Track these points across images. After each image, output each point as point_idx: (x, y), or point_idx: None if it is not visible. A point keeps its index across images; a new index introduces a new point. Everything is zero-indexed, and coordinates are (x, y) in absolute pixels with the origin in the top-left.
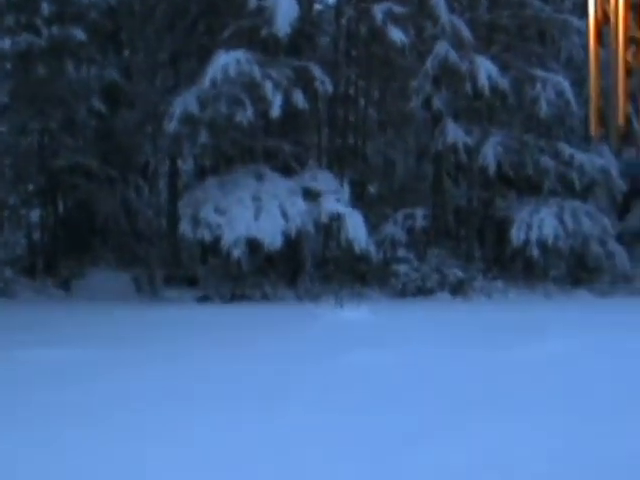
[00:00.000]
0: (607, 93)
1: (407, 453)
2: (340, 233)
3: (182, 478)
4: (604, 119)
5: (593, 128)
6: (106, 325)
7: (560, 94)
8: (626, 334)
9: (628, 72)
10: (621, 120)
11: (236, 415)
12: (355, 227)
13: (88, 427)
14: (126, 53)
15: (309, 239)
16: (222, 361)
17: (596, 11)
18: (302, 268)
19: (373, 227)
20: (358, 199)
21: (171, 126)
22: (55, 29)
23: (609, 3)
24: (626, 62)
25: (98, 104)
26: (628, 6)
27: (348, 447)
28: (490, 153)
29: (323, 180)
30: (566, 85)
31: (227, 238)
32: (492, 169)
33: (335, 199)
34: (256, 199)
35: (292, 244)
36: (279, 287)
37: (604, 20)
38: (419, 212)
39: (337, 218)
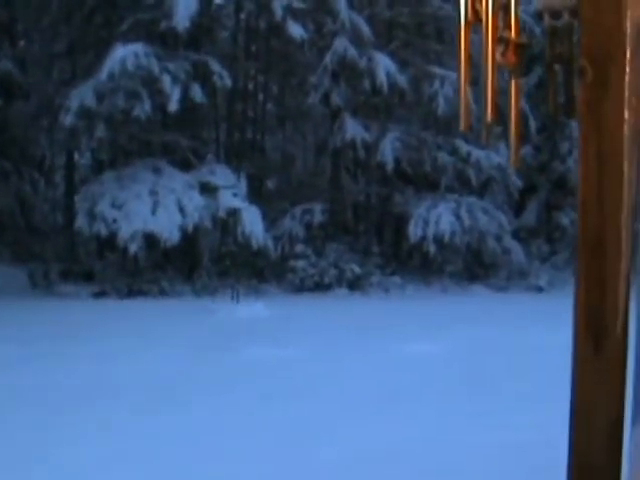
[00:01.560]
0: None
1: (305, 447)
2: (237, 228)
3: None
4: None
5: (462, 122)
6: None
7: (458, 91)
8: (521, 329)
9: (496, 70)
10: (490, 116)
11: (117, 415)
12: (252, 222)
13: None
14: (21, 44)
15: (206, 234)
16: (111, 357)
17: (467, 11)
18: (199, 263)
19: (271, 222)
20: (256, 194)
21: (67, 119)
22: None
23: (480, 3)
24: (494, 60)
25: None
26: (498, 6)
27: (239, 445)
28: (388, 149)
29: (221, 175)
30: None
31: (124, 233)
32: (390, 165)
33: (232, 194)
34: (153, 193)
35: (189, 239)
36: (176, 282)
37: (475, 20)
38: (317, 207)
39: (234, 213)
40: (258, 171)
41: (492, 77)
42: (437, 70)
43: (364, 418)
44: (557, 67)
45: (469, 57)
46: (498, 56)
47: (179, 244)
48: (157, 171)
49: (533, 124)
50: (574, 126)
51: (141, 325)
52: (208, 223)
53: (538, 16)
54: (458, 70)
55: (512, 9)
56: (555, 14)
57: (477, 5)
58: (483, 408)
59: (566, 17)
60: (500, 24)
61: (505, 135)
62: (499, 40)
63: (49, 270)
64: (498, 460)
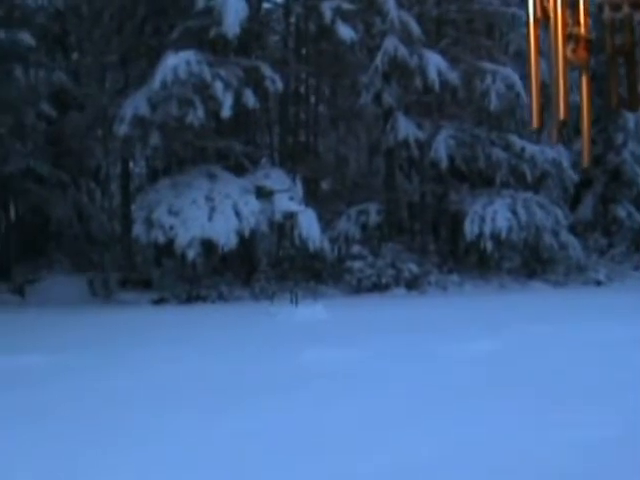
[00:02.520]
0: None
1: (367, 449)
2: (294, 231)
3: None
4: (545, 113)
5: (534, 120)
6: (60, 330)
7: (510, 86)
8: (582, 324)
9: (567, 68)
10: (562, 115)
11: (192, 416)
12: (309, 225)
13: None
14: (74, 56)
15: (263, 238)
16: (173, 362)
17: (535, 9)
18: (257, 267)
19: (327, 224)
20: (311, 196)
21: (122, 129)
22: (2, 33)
23: (548, 1)
24: (565, 57)
25: (47, 108)
26: (565, 4)
27: (301, 447)
28: (442, 147)
29: (276, 178)
30: (515, 77)
31: (181, 239)
32: (444, 163)
33: (288, 197)
34: (209, 199)
35: (246, 243)
36: (234, 287)
37: (543, 17)
38: (372, 208)
39: (290, 216)
40: (312, 173)
41: (563, 74)
42: (488, 66)
43: (427, 419)
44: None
45: (539, 54)
46: (568, 52)
47: (236, 249)
48: (212, 177)
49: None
50: (628, 117)
51: (201, 330)
52: (265, 227)
53: (598, 9)
54: (528, 68)
55: (581, 5)
56: (615, 7)
57: (545, 2)
58: (549, 406)
59: (626, 9)
60: (569, 20)
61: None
62: (569, 37)
63: (108, 278)
64: (567, 459)
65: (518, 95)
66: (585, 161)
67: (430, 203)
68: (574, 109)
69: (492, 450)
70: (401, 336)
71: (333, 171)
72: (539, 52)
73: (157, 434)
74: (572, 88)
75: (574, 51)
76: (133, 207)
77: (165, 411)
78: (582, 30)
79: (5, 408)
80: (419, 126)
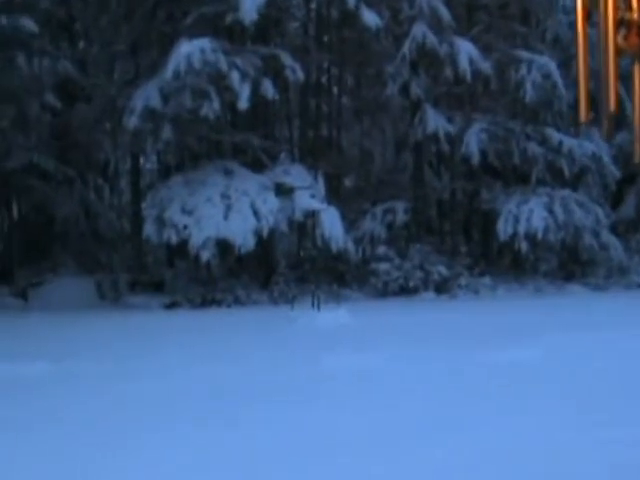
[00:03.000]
0: (596, 76)
1: (395, 460)
2: (315, 231)
3: None
4: (593, 103)
5: (583, 114)
6: (67, 336)
7: (546, 76)
8: (623, 330)
9: (618, 55)
10: (612, 104)
11: (204, 423)
12: (331, 224)
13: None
14: (81, 44)
15: (283, 238)
16: (188, 369)
17: None
18: (276, 269)
19: (350, 223)
20: (334, 194)
21: (131, 121)
22: (3, 19)
23: None
24: (616, 45)
25: (52, 99)
26: None
27: (325, 457)
28: (473, 141)
29: (296, 175)
30: (552, 66)
31: (195, 239)
32: (476, 158)
33: (309, 195)
34: (225, 197)
35: (265, 244)
36: (252, 290)
37: (592, 1)
38: (399, 206)
39: (312, 215)
40: (335, 169)
41: (614, 63)
42: (523, 54)
43: (457, 431)
44: None
45: (587, 43)
46: (619, 39)
47: (254, 250)
48: (228, 173)
49: (629, 107)
50: None
51: (217, 336)
52: (284, 227)
53: None
54: (577, 57)
55: None
56: None
57: None
58: (590, 420)
59: None
60: (621, 5)
61: (599, 121)
62: (620, 22)
63: (117, 280)
64: None
65: (555, 85)
66: (637, 157)
67: (461, 201)
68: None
69: (530, 468)
70: (429, 343)
71: (357, 167)
72: (587, 40)
73: (168, 440)
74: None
75: (626, 38)
76: (144, 205)
77: (176, 417)
78: (635, 15)
79: (5, 418)
80: (449, 119)
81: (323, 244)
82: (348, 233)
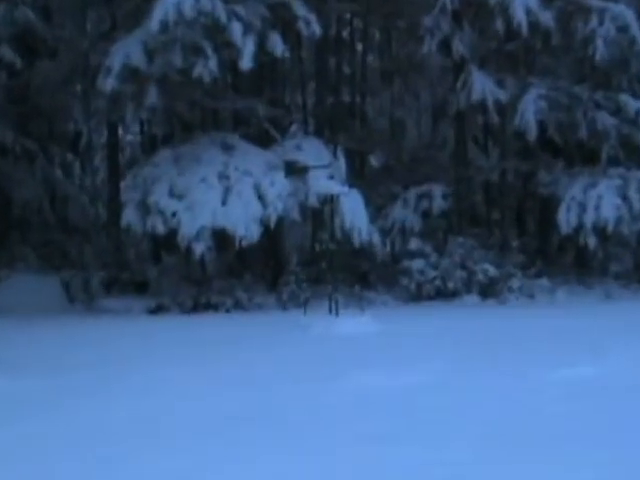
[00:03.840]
0: None
1: None
2: (334, 220)
3: None
4: None
5: None
6: (25, 348)
7: (622, 29)
8: None
9: None
10: None
11: (206, 459)
12: (353, 212)
13: None
14: None
15: (294, 229)
16: (177, 391)
17: None
18: (285, 267)
19: (377, 211)
20: (357, 174)
21: (108, 83)
22: None
23: None
24: None
25: (9, 54)
26: None
27: None
28: (530, 111)
29: (311, 151)
30: (630, 17)
31: (186, 229)
32: (532, 132)
33: (327, 175)
34: (223, 177)
35: (272, 236)
36: (256, 292)
37: None
38: (437, 190)
39: (330, 200)
40: (359, 144)
41: None
42: (593, 2)
43: (510, 464)
44: None
45: None
46: None
47: (259, 243)
48: (227, 148)
49: None
50: None
51: (212, 349)
52: (296, 214)
53: None
54: None
55: None
56: None
57: None
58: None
59: None
60: None
61: None
62: None
63: (90, 279)
64: None
65: (633, 41)
66: None
67: (513, 185)
68: None
69: None
70: (473, 358)
71: (386, 141)
72: None
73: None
74: None
75: None
76: (123, 186)
77: (164, 451)
78: None
79: None
80: (499, 83)
81: (343, 236)
82: (374, 223)
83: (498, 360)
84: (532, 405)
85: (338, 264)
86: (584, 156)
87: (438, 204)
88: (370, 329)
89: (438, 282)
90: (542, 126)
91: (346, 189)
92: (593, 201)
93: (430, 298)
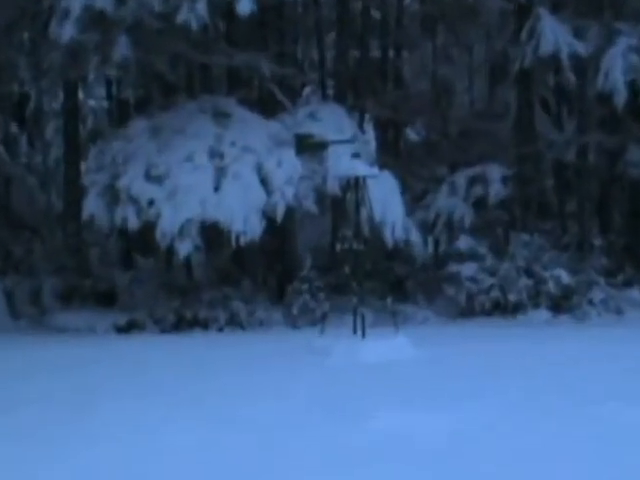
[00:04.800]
0: None
1: None
2: (360, 212)
3: None
4: None
5: None
6: None
7: None
8: None
9: None
10: None
11: None
12: (386, 201)
13: None
14: None
15: (308, 223)
16: (169, 430)
17: None
18: (296, 272)
19: (416, 200)
20: (391, 152)
21: (65, 31)
22: None
23: None
24: None
25: None
26: None
27: None
28: (617, 68)
29: (330, 121)
30: None
31: (167, 224)
32: (621, 96)
33: (351, 153)
34: (216, 155)
35: (279, 231)
36: (258, 304)
37: None
38: (495, 172)
39: (355, 186)
40: (392, 113)
41: None
42: None
43: None
44: None
45: None
46: None
47: (261, 241)
48: (221, 117)
49: None
50: None
51: (200, 380)
52: (310, 204)
53: None
54: None
55: None
56: None
57: None
58: None
59: None
60: None
61: None
62: None
63: (40, 288)
64: None
65: None
66: None
67: (595, 165)
68: None
69: None
70: (541, 396)
71: (427, 109)
72: None
73: None
74: None
75: None
76: (84, 167)
77: None
78: None
79: None
80: (578, 32)
81: (372, 233)
82: (411, 215)
83: (576, 400)
84: (622, 452)
85: (365, 269)
86: None
87: (496, 191)
88: (406, 355)
89: (496, 293)
90: (633, 88)
91: (376, 171)
92: None
93: (485, 313)
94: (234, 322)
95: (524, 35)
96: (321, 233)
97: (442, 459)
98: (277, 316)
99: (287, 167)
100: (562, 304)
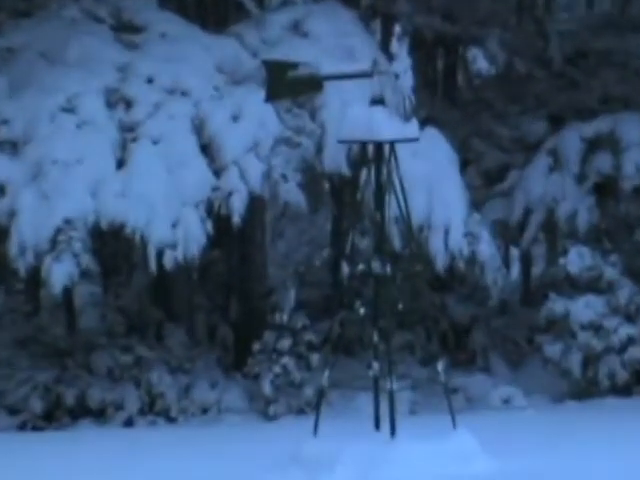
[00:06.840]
0: None
1: None
2: (385, 204)
3: None
4: None
5: None
6: None
7: None
8: None
9: None
10: None
11: None
12: (434, 184)
13: None
14: None
15: (288, 226)
16: None
17: None
18: (265, 314)
19: (488, 183)
20: (442, 95)
21: None
22: None
23: None
24: None
25: None
26: None
27: None
28: None
29: (327, 35)
30: None
31: (28, 227)
32: None
33: (369, 97)
34: (119, 102)
35: (235, 243)
36: (197, 376)
37: None
38: (635, 129)
39: (376, 156)
40: (446, 22)
41: None
42: None
43: None
44: None
45: None
46: None
47: (204, 259)
48: (127, 33)
49: None
50: None
51: None
52: (293, 191)
53: None
54: None
55: None
56: None
57: None
58: None
59: None
60: None
61: None
62: None
63: None
64: None
65: None
66: None
67: None
68: None
69: None
70: None
71: (510, 16)
72: None
73: None
74: None
75: None
76: None
77: None
78: None
79: None
80: None
81: (407, 243)
82: (481, 211)
83: None
84: None
85: (396, 309)
86: None
87: (636, 164)
88: (473, 469)
89: (638, 353)
90: None
91: (415, 130)
92: None
93: (616, 392)
94: (155, 410)
95: None
96: (312, 245)
97: None
98: (233, 397)
99: (250, 124)
100: None
